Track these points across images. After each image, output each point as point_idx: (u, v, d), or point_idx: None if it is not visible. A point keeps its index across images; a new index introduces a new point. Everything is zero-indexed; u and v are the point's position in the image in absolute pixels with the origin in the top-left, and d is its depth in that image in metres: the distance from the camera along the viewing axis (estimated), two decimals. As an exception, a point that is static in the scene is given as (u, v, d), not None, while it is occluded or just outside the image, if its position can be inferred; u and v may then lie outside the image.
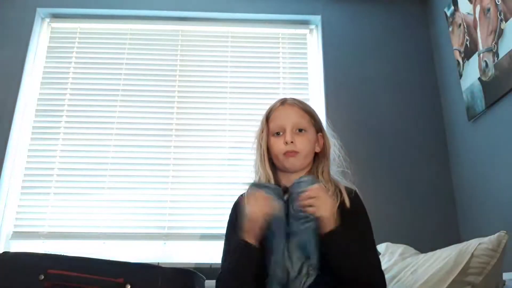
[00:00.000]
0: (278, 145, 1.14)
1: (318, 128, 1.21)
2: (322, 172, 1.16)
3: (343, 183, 1.17)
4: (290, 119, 1.15)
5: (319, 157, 1.19)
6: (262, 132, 1.19)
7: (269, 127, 1.18)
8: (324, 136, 1.20)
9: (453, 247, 1.19)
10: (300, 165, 1.14)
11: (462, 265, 1.09)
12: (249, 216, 1.01)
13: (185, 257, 2.02)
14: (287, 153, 1.12)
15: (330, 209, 1.00)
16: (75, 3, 2.36)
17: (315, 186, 1.03)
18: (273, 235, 1.02)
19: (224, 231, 2.05)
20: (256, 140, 1.21)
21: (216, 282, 1.09)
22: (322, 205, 0.99)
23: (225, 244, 1.19)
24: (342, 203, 1.08)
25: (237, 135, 2.22)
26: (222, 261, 1.15)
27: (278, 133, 1.15)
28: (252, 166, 1.21)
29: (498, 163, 1.76)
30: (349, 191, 1.12)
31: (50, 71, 2.30)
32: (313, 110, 1.22)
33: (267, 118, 1.19)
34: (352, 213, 1.07)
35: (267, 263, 1.01)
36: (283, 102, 1.20)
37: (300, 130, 1.14)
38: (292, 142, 1.12)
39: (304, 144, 1.13)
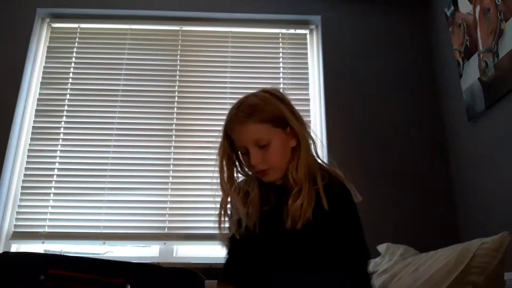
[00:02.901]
0: (248, 164, 1.07)
1: (285, 124, 1.07)
2: (295, 169, 1.04)
3: (325, 174, 1.05)
4: (247, 138, 1.04)
5: (295, 151, 1.08)
6: (222, 147, 1.12)
7: (230, 142, 1.10)
8: (294, 128, 1.07)
9: (455, 247, 1.19)
10: (278, 175, 1.07)
11: (464, 264, 1.08)
12: None
13: (185, 257, 2.02)
14: (259, 173, 1.06)
15: None
16: (75, 3, 2.36)
17: None
18: None
19: (224, 231, 2.03)
20: (217, 157, 1.13)
21: None
22: None
23: None
24: (319, 206, 0.99)
25: (237, 135, 2.22)
26: None
27: (245, 152, 1.07)
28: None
29: (498, 163, 1.76)
30: (330, 188, 1.01)
31: (50, 71, 2.30)
32: (269, 108, 1.06)
33: (227, 133, 1.11)
34: (328, 216, 0.98)
35: None
36: (231, 119, 1.08)
37: (263, 146, 1.04)
38: (259, 162, 1.04)
39: (270, 159, 1.04)
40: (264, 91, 1.13)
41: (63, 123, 2.22)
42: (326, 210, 0.98)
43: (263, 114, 1.05)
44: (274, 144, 1.05)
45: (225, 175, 1.11)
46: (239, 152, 1.10)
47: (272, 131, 1.05)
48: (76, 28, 2.38)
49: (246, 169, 1.14)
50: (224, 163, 1.11)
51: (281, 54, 2.40)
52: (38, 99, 2.25)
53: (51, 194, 2.09)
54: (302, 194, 1.00)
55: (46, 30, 2.37)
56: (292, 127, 1.06)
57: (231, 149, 1.12)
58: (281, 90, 1.14)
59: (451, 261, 1.11)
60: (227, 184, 1.11)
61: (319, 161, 1.12)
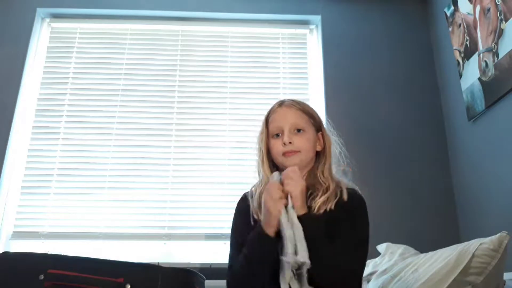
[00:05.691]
0: (277, 146, 1.15)
1: (318, 127, 1.21)
2: (323, 171, 1.16)
3: (345, 182, 1.17)
4: (287, 119, 1.16)
5: (320, 156, 1.20)
6: (262, 134, 1.21)
7: (268, 129, 1.19)
8: (324, 135, 1.21)
9: (454, 247, 1.19)
10: (299, 163, 1.14)
11: (463, 265, 1.08)
12: (268, 209, 1.01)
13: (185, 257, 2.02)
14: (286, 153, 1.14)
15: (299, 187, 1.01)
16: (75, 3, 2.36)
17: (290, 167, 1.07)
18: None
19: (224, 230, 2.05)
20: (257, 142, 1.23)
21: (231, 277, 1.07)
22: (291, 182, 1.02)
23: (232, 243, 1.16)
24: (341, 200, 1.08)
25: (237, 135, 2.22)
26: (230, 259, 1.13)
27: (277, 135, 1.17)
28: (255, 168, 1.22)
29: (498, 163, 1.76)
30: (352, 190, 1.13)
31: (50, 71, 2.30)
32: (312, 110, 1.23)
33: (267, 120, 1.21)
34: (348, 211, 1.07)
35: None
36: (281, 103, 1.21)
37: (299, 130, 1.16)
38: (290, 142, 1.13)
39: (302, 143, 1.15)
40: None
41: (63, 122, 2.22)
42: (346, 204, 1.07)
43: (307, 109, 1.21)
44: (307, 133, 1.17)
45: (265, 159, 1.19)
46: (271, 137, 1.19)
47: (309, 125, 1.18)
48: (76, 28, 2.38)
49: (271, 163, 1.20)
50: (264, 147, 1.20)
51: (281, 54, 2.40)
52: (38, 99, 2.25)
53: (51, 194, 2.10)
54: (329, 190, 1.10)
55: (46, 30, 2.37)
56: (323, 134, 1.21)
57: (267, 138, 1.20)
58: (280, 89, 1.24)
59: (450, 262, 1.12)
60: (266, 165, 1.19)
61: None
